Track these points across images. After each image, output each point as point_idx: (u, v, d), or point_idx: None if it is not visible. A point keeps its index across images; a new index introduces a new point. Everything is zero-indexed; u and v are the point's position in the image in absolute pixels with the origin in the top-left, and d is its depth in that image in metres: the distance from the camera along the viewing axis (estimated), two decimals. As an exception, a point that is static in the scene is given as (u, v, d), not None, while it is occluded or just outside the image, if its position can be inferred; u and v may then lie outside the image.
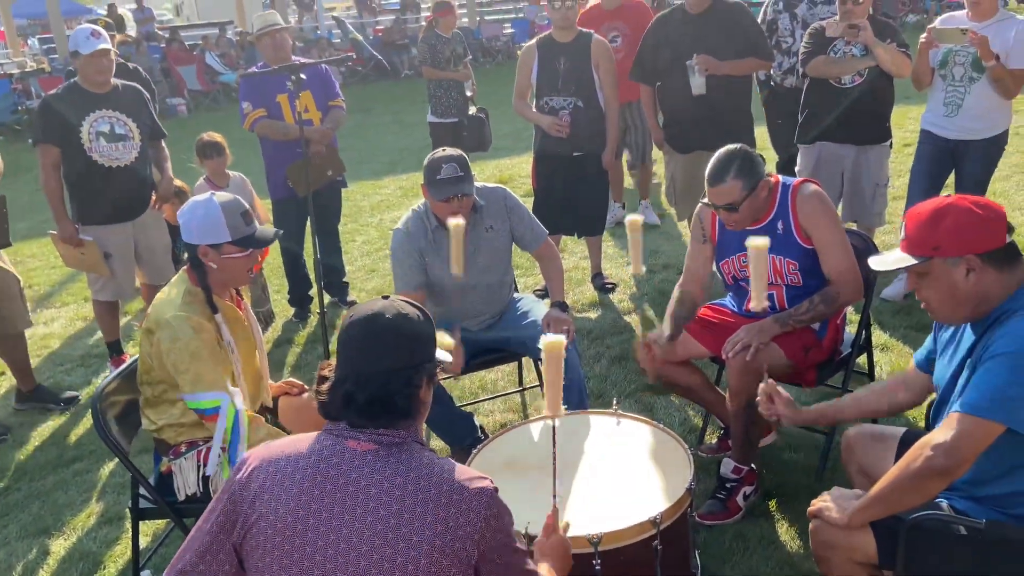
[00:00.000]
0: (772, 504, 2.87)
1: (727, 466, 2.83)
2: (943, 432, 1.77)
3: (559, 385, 1.98)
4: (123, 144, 4.07)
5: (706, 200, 2.74)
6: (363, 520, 1.50)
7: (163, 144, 4.40)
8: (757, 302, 2.40)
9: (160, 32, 17.92)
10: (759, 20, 4.84)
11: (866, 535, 1.89)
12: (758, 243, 2.29)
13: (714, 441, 3.26)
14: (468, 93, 6.68)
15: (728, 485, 2.81)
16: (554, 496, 1.85)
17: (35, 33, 22.62)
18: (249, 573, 1.58)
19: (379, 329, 1.58)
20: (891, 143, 4.43)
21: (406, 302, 1.65)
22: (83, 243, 4.08)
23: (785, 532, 2.74)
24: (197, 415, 2.36)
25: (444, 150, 3.06)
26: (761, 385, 2.35)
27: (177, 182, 4.54)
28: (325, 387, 1.61)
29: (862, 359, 3.18)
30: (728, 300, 3.07)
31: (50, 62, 15.86)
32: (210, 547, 1.58)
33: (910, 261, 1.89)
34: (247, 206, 2.47)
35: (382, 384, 1.56)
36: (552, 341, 1.96)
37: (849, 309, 3.36)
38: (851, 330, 3.13)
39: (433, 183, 2.98)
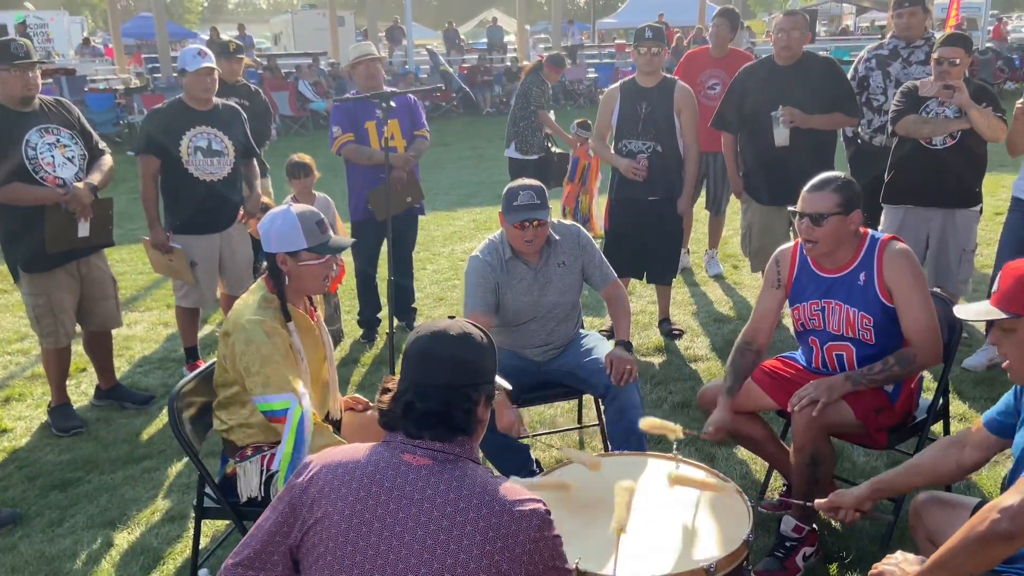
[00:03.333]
0: (833, 568, 2.77)
1: (788, 524, 2.75)
2: (1012, 495, 1.70)
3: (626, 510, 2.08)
4: (218, 159, 4.27)
5: (795, 208, 2.72)
6: (414, 533, 1.53)
7: (254, 162, 4.60)
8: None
9: (259, 59, 18.73)
10: (850, 76, 4.80)
11: (930, 603, 1.81)
12: (625, 484, 2.16)
13: (775, 498, 3.17)
14: (546, 131, 6.89)
15: (788, 544, 2.73)
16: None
17: (141, 53, 23.94)
18: (303, 575, 1.62)
19: (442, 345, 1.64)
20: (981, 208, 4.30)
21: (471, 323, 1.70)
22: (172, 250, 4.28)
23: (845, 599, 2.64)
24: (266, 418, 2.43)
25: (523, 180, 3.13)
26: (823, 501, 2.30)
27: (264, 199, 4.73)
28: (387, 397, 1.67)
29: (937, 427, 3.06)
30: (799, 354, 3.01)
31: (152, 81, 16.72)
32: (267, 546, 1.63)
33: (998, 315, 1.84)
34: (322, 216, 2.57)
35: (441, 398, 1.61)
36: (625, 485, 2.12)
37: (927, 375, 3.25)
38: (927, 396, 3.02)
39: (509, 209, 3.04)
